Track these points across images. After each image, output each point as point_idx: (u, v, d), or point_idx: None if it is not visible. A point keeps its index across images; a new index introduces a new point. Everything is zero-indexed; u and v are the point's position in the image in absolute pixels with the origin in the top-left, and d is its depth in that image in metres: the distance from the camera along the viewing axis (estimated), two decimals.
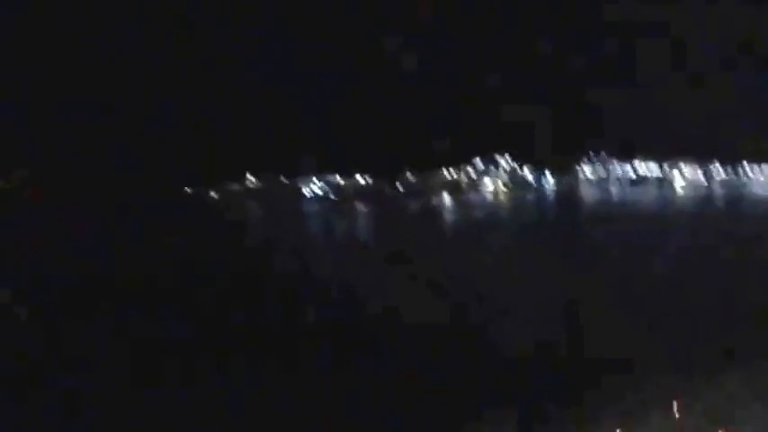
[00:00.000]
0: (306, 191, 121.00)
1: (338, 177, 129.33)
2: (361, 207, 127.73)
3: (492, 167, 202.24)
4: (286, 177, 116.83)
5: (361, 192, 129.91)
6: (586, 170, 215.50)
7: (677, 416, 23.64)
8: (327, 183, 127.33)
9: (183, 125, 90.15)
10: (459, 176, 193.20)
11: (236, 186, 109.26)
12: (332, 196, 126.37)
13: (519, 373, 28.92)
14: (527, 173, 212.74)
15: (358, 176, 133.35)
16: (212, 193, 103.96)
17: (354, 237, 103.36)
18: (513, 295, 45.44)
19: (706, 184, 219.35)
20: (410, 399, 24.97)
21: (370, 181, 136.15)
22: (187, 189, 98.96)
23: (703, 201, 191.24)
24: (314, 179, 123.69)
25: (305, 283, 53.99)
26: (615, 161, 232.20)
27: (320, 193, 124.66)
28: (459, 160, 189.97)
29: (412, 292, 46.07)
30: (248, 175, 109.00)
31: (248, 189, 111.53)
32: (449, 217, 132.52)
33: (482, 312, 40.70)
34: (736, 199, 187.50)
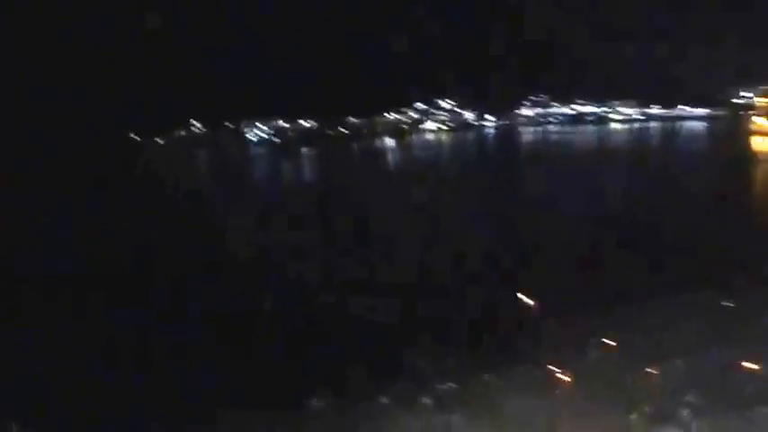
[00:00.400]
0: (250, 135, 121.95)
1: (282, 122, 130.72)
2: (305, 149, 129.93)
3: (433, 110, 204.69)
4: (231, 123, 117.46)
5: (305, 135, 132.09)
6: (526, 111, 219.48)
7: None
8: (272, 127, 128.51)
9: (128, 76, 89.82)
10: (401, 119, 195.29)
11: (182, 132, 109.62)
12: (276, 140, 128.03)
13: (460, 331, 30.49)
14: (467, 114, 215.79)
15: (302, 121, 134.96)
16: (158, 140, 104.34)
17: (300, 178, 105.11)
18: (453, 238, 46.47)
19: (642, 119, 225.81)
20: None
21: (314, 125, 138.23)
22: (134, 136, 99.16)
23: (638, 136, 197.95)
24: (258, 124, 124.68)
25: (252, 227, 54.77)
26: (555, 103, 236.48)
27: (264, 136, 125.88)
28: (402, 104, 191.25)
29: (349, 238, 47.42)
30: (193, 122, 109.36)
31: (195, 135, 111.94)
32: (391, 157, 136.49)
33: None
34: (670, 135, 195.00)
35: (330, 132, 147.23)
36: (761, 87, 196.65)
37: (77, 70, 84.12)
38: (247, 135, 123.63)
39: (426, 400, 21.86)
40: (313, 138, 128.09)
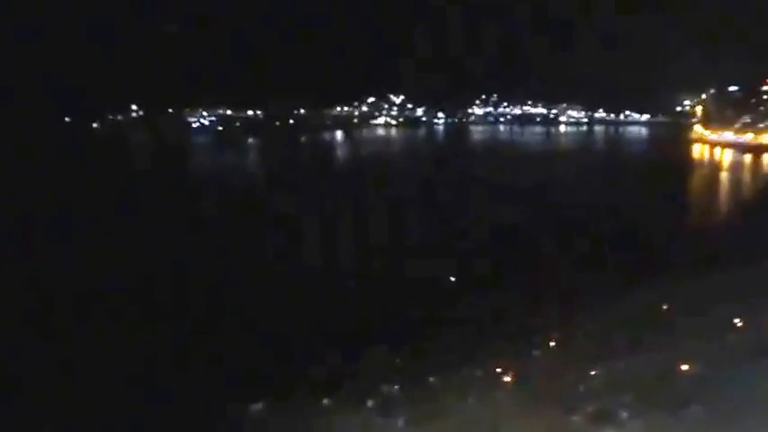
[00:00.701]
0: (192, 121, 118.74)
1: (228, 111, 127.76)
2: (251, 140, 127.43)
3: (385, 105, 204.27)
4: (174, 109, 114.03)
5: (251, 125, 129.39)
6: (477, 110, 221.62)
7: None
8: (217, 115, 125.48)
9: (69, 60, 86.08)
10: (351, 113, 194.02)
11: (119, 117, 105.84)
12: (220, 128, 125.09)
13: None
14: (418, 110, 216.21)
15: (250, 111, 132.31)
16: (95, 124, 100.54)
17: (243, 167, 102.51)
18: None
19: (587, 122, 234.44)
20: None
21: (261, 115, 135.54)
22: (67, 119, 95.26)
23: (584, 136, 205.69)
24: (203, 111, 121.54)
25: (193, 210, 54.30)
26: (505, 103, 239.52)
27: (206, 123, 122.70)
28: (353, 98, 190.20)
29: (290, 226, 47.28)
30: (133, 107, 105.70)
31: (132, 119, 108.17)
32: (340, 150, 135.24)
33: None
34: (614, 136, 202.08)
35: (278, 123, 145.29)
36: (701, 96, 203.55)
37: (13, 54, 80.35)
38: (190, 122, 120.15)
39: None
40: (259, 128, 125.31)
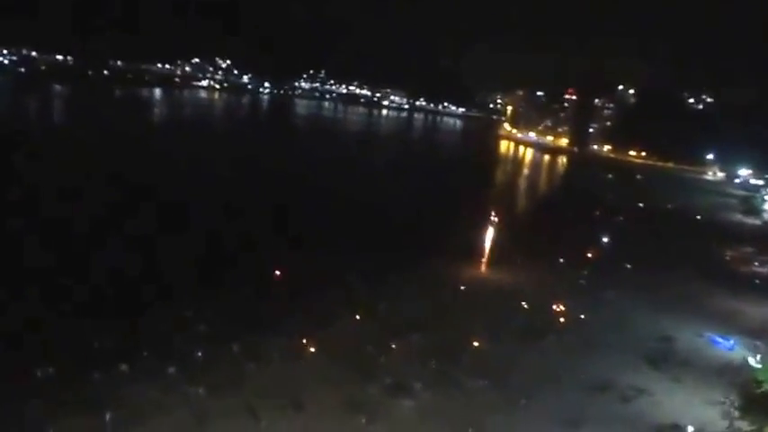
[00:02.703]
0: None
1: (34, 53, 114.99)
2: (57, 87, 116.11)
3: (210, 67, 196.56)
4: None
5: (60, 70, 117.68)
6: (304, 84, 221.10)
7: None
8: (20, 56, 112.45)
9: None
10: (173, 71, 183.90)
11: None
12: (21, 69, 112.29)
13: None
14: (245, 77, 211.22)
15: (59, 56, 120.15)
16: None
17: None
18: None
19: (408, 108, 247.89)
20: None
21: (73, 61, 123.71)
22: None
23: (404, 122, 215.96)
24: (2, 50, 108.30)
25: None
26: (332, 81, 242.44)
27: (5, 62, 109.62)
28: (177, 56, 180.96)
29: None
30: None
31: None
32: (158, 109, 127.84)
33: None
34: (431, 125, 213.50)
35: (90, 72, 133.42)
36: (512, 97, 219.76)
37: None
38: None
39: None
40: (70, 75, 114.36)
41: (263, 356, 23.59)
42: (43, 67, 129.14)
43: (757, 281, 45.28)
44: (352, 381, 22.84)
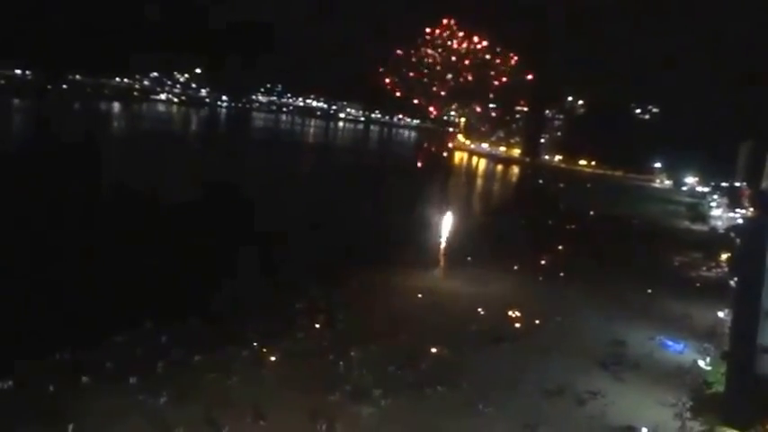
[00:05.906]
0: None
1: None
2: (16, 101, 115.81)
3: (168, 81, 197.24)
4: None
5: (19, 85, 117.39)
6: (261, 98, 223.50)
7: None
8: None
9: None
10: (132, 85, 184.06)
11: None
12: None
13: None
14: (203, 91, 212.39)
15: (17, 71, 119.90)
16: None
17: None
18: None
19: (364, 121, 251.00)
20: None
21: (32, 76, 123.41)
22: None
23: (360, 134, 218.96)
24: None
25: None
26: (289, 95, 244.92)
27: None
28: (136, 71, 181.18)
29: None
30: None
31: None
32: (115, 122, 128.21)
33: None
34: (386, 137, 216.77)
35: (49, 87, 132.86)
36: (465, 109, 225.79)
37: None
38: None
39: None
40: (29, 90, 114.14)
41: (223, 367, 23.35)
42: (2, 81, 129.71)
43: (702, 285, 46.46)
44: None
